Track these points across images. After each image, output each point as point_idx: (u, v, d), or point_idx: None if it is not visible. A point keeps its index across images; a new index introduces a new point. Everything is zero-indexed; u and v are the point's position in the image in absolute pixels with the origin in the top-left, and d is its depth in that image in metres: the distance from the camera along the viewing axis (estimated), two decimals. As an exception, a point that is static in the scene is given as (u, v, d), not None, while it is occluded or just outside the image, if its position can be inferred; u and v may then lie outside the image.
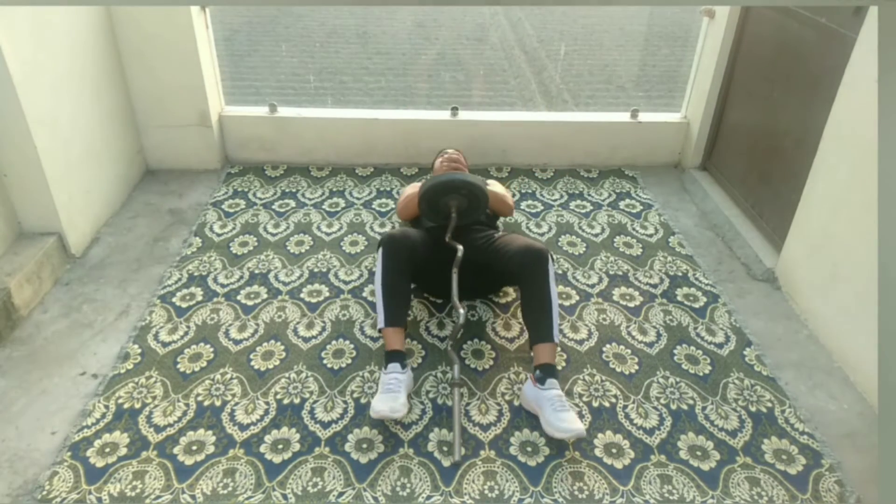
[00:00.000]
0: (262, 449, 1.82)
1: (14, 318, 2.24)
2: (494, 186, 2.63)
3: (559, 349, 2.20)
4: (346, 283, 2.52)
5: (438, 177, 2.29)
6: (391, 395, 1.85)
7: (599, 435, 1.90)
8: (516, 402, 2.00)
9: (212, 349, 2.18)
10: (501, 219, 2.85)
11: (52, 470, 1.75)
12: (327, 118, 3.38)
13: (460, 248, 2.18)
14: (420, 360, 2.15)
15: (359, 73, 4.77)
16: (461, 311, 2.06)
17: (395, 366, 1.94)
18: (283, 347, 2.19)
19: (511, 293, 2.47)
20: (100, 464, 1.77)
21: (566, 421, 1.79)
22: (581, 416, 1.96)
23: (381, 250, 2.09)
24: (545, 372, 1.92)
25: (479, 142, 3.36)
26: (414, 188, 2.55)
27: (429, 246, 2.23)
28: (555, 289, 2.05)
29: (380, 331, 2.06)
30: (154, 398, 1.98)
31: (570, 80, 5.04)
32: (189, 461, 1.78)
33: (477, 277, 2.27)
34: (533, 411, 1.93)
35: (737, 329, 2.34)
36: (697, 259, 2.73)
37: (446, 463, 1.80)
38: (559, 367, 2.13)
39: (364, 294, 2.45)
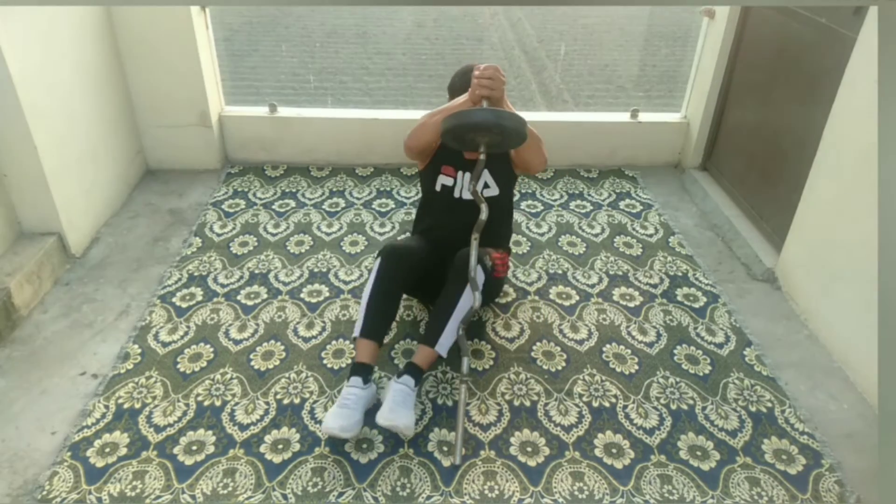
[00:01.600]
0: (262, 449, 1.82)
1: (14, 318, 2.24)
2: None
3: (559, 349, 2.20)
4: (346, 283, 2.52)
5: (469, 113, 1.87)
6: (345, 412, 1.77)
7: (599, 435, 1.90)
8: (516, 402, 2.00)
9: (212, 349, 2.18)
10: (512, 237, 2.65)
11: (52, 470, 1.75)
12: (327, 118, 3.38)
13: (485, 207, 1.93)
14: (420, 360, 2.15)
15: (359, 73, 4.77)
16: (477, 292, 1.91)
17: (357, 380, 1.84)
18: (283, 347, 2.19)
19: (511, 293, 2.47)
20: (100, 464, 1.77)
21: (395, 413, 1.75)
22: (581, 416, 1.96)
23: (378, 262, 1.99)
24: (407, 369, 1.87)
25: (479, 142, 3.35)
26: (434, 115, 2.04)
27: (434, 256, 2.12)
28: (468, 298, 1.91)
29: (353, 339, 1.95)
30: (154, 398, 1.98)
31: (570, 80, 5.04)
32: (189, 461, 1.78)
33: (434, 283, 2.12)
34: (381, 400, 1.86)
35: (737, 329, 2.34)
36: (697, 259, 2.73)
37: (446, 463, 1.80)
38: (559, 368, 2.13)
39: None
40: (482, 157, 1.91)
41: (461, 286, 1.93)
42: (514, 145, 1.96)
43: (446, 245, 2.10)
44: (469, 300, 1.92)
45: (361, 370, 1.87)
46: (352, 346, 2.19)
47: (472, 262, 1.92)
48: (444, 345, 1.91)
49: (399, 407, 1.78)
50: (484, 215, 1.92)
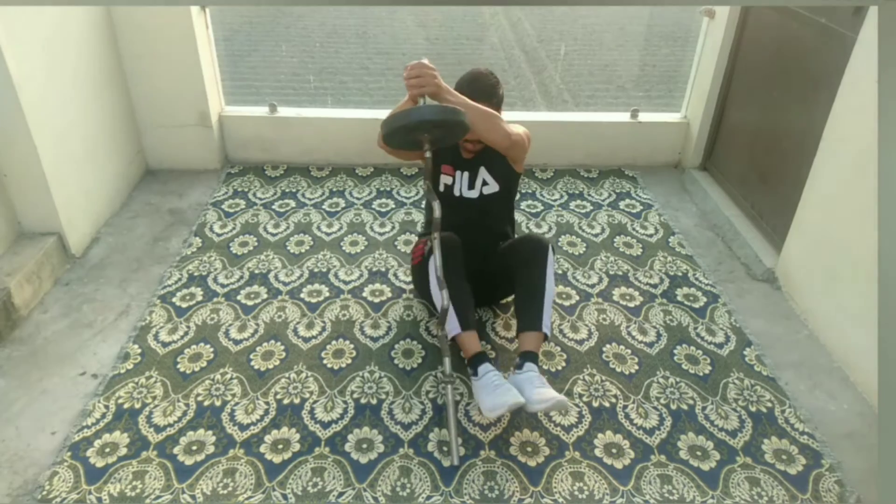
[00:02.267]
0: (262, 449, 1.82)
1: (14, 318, 2.24)
2: (516, 127, 2.10)
3: (559, 349, 2.21)
4: (346, 283, 2.52)
5: (395, 118, 1.80)
6: (504, 388, 1.77)
7: (599, 435, 1.90)
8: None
9: (212, 349, 2.18)
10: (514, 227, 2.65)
11: (52, 470, 1.75)
12: (327, 118, 3.38)
13: (437, 205, 1.87)
14: (420, 360, 2.15)
15: (359, 73, 4.77)
16: (444, 290, 1.89)
17: (486, 366, 1.86)
18: (283, 347, 2.19)
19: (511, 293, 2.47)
20: (100, 464, 1.77)
21: (544, 394, 1.75)
22: (581, 416, 1.96)
23: (437, 250, 1.89)
24: (524, 357, 1.88)
25: (479, 142, 3.35)
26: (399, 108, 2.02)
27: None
28: (552, 281, 1.99)
29: (455, 337, 1.94)
30: (154, 398, 1.98)
31: (570, 80, 5.03)
32: (189, 461, 1.78)
33: (488, 285, 2.21)
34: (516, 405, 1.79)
35: (737, 329, 2.34)
36: (697, 259, 2.73)
37: (446, 463, 1.80)
38: (559, 367, 2.13)
39: (364, 294, 2.45)
40: (427, 155, 1.85)
41: (541, 268, 1.97)
42: (458, 136, 1.89)
43: (475, 252, 2.13)
44: (553, 281, 1.99)
45: (483, 357, 1.91)
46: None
47: (437, 262, 1.89)
48: (547, 324, 1.95)
49: (544, 388, 1.79)
50: (437, 213, 1.87)
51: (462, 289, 1.99)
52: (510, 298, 2.43)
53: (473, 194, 2.18)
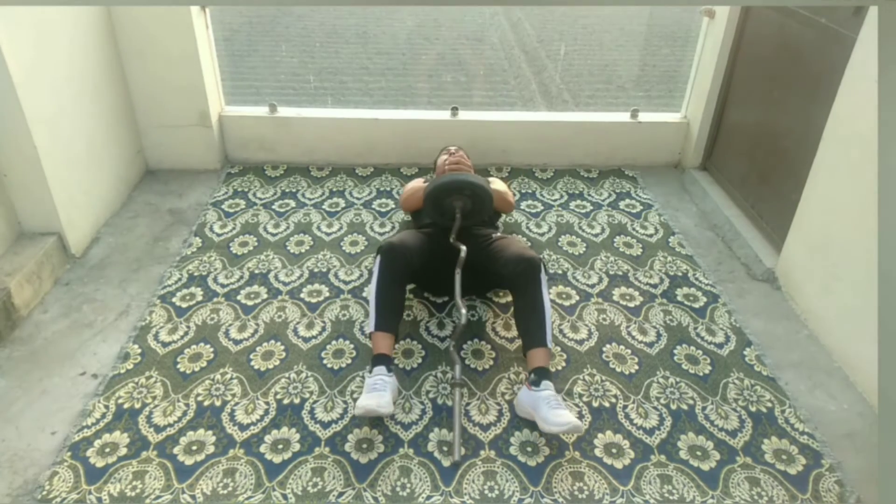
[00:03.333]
0: (262, 449, 1.82)
1: (14, 318, 2.24)
2: (496, 184, 2.63)
3: (559, 349, 2.21)
4: (346, 283, 2.52)
5: (443, 178, 2.30)
6: (377, 393, 1.83)
7: (599, 435, 1.90)
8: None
9: (212, 349, 2.18)
10: (502, 217, 2.86)
11: (52, 470, 1.75)
12: (327, 118, 3.38)
13: (464, 248, 2.19)
14: (420, 360, 2.15)
15: (359, 73, 4.77)
16: (463, 310, 2.08)
17: (380, 368, 1.92)
18: (283, 347, 2.19)
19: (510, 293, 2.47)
20: (100, 464, 1.77)
21: (562, 416, 1.78)
22: (581, 416, 1.96)
23: (378, 259, 2.09)
24: (539, 375, 1.91)
25: (479, 142, 3.36)
26: (419, 182, 2.63)
27: (429, 246, 2.24)
28: (547, 296, 2.06)
29: (369, 335, 2.04)
30: (154, 398, 1.98)
31: (570, 80, 5.03)
32: (189, 461, 1.78)
33: (475, 277, 2.27)
34: (529, 417, 1.89)
35: (737, 329, 2.34)
36: (697, 259, 2.73)
37: (446, 463, 1.80)
38: (559, 368, 2.13)
39: (364, 294, 2.45)
40: (458, 216, 2.26)
41: (537, 288, 2.04)
42: (486, 208, 2.33)
43: (443, 235, 2.27)
44: (548, 295, 2.07)
45: (383, 360, 1.95)
46: (363, 341, 2.20)
47: (456, 291, 2.13)
48: (549, 340, 2.01)
49: (559, 409, 1.82)
50: (463, 254, 2.18)
51: (394, 296, 2.09)
52: (509, 298, 2.44)
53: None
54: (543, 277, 2.07)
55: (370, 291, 2.09)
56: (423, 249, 2.21)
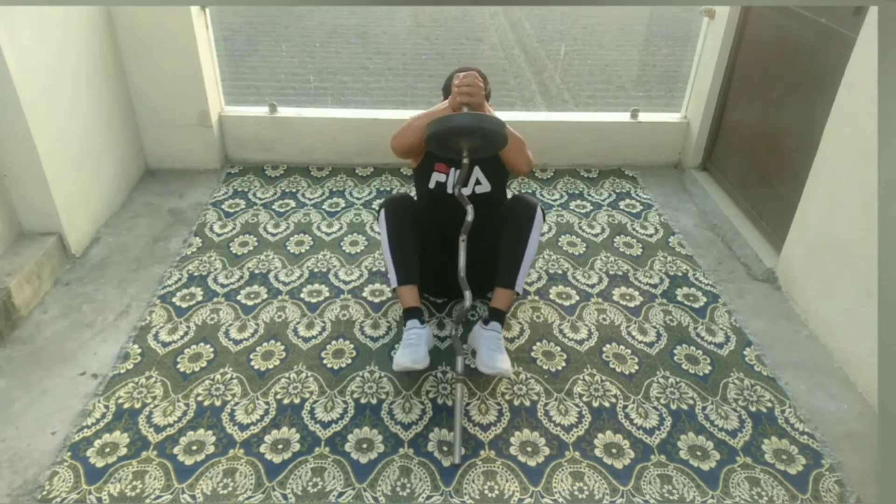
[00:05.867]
0: (262, 449, 1.82)
1: (14, 318, 2.24)
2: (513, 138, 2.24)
3: (559, 349, 2.21)
4: (346, 283, 2.52)
5: (451, 118, 1.92)
6: (413, 349, 1.91)
7: (599, 435, 1.90)
8: (516, 402, 2.00)
9: (212, 349, 2.18)
10: (512, 181, 2.73)
11: (52, 470, 1.75)
12: (327, 118, 3.38)
13: (470, 209, 1.99)
14: (420, 360, 2.15)
15: (359, 73, 4.78)
16: (467, 292, 1.98)
17: (413, 322, 1.98)
18: (283, 347, 2.19)
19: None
20: (100, 464, 1.77)
21: (497, 360, 1.87)
22: (581, 416, 1.96)
23: (382, 213, 2.10)
24: (492, 315, 1.98)
25: (479, 142, 3.35)
26: (418, 120, 2.13)
27: (432, 240, 2.18)
28: (535, 242, 2.06)
29: (393, 291, 2.08)
30: (154, 398, 1.98)
31: (570, 80, 5.04)
32: (189, 461, 1.78)
33: (476, 271, 2.16)
34: (474, 351, 2.01)
35: (737, 329, 2.34)
36: (697, 259, 2.73)
37: (446, 463, 1.80)
38: (559, 367, 2.13)
39: (364, 294, 2.45)
40: (465, 160, 1.96)
41: (526, 228, 2.02)
42: (495, 149, 2.01)
43: (446, 237, 2.17)
44: (536, 243, 2.05)
45: (415, 313, 2.00)
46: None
47: (460, 264, 1.99)
48: (520, 283, 2.00)
49: (496, 353, 1.90)
50: (470, 217, 1.98)
51: (408, 245, 2.07)
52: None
53: (465, 192, 2.19)
54: (538, 222, 2.07)
55: (383, 249, 2.10)
56: (425, 209, 2.21)
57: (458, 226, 2.06)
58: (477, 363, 1.96)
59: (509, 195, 2.18)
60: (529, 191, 3.21)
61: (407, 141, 2.13)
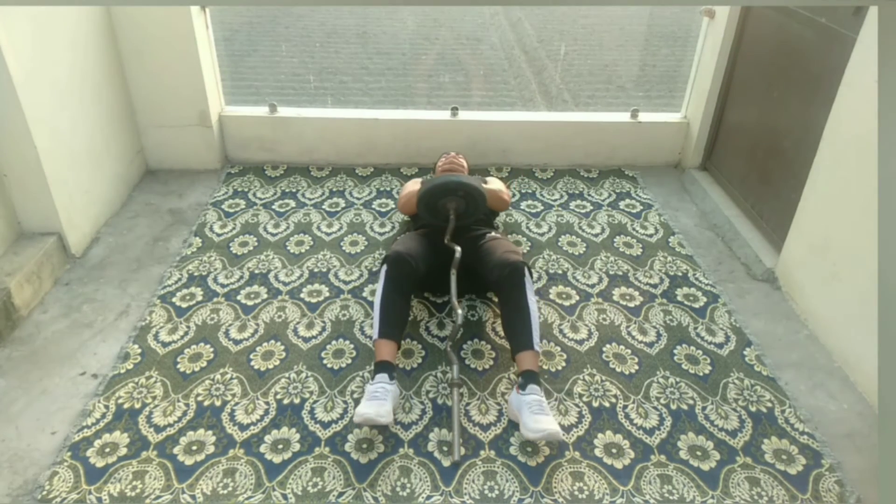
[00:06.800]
0: (262, 449, 1.82)
1: (14, 318, 2.24)
2: (493, 183, 2.63)
3: (559, 349, 2.21)
4: (346, 283, 2.52)
5: (435, 179, 2.31)
6: (378, 402, 1.82)
7: (599, 435, 1.90)
8: (516, 403, 2.00)
9: (212, 349, 2.18)
10: (500, 216, 2.86)
11: (52, 470, 1.75)
12: (327, 118, 3.38)
13: (458, 249, 2.20)
14: (420, 360, 2.15)
15: (359, 73, 4.77)
16: (459, 311, 2.07)
17: (383, 376, 1.91)
18: (283, 347, 2.19)
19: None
20: (100, 464, 1.77)
21: (541, 422, 1.77)
22: (581, 416, 1.96)
23: (384, 270, 2.11)
24: (527, 378, 1.91)
25: (479, 142, 3.36)
26: (415, 184, 2.59)
27: (431, 248, 2.25)
28: (533, 299, 2.05)
29: (374, 343, 2.03)
30: (154, 398, 1.98)
31: (570, 80, 5.04)
32: (189, 461, 1.78)
33: (472, 277, 2.28)
34: (516, 420, 1.89)
35: (737, 329, 2.34)
36: (697, 259, 2.73)
37: (446, 463, 1.80)
38: (559, 368, 2.13)
39: (364, 294, 2.46)
40: (452, 217, 2.28)
41: (521, 291, 2.05)
42: (479, 209, 2.34)
43: (441, 234, 2.29)
44: (535, 299, 2.08)
45: (385, 367, 1.94)
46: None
47: (452, 291, 2.14)
48: (537, 341, 2.00)
49: (540, 415, 1.80)
50: (458, 255, 2.18)
51: (400, 306, 2.08)
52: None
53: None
54: (528, 281, 2.07)
55: (375, 299, 2.09)
56: (427, 253, 2.23)
57: (452, 236, 2.29)
58: (522, 431, 1.80)
59: (495, 255, 2.17)
60: (529, 191, 3.21)
61: (409, 204, 2.52)
